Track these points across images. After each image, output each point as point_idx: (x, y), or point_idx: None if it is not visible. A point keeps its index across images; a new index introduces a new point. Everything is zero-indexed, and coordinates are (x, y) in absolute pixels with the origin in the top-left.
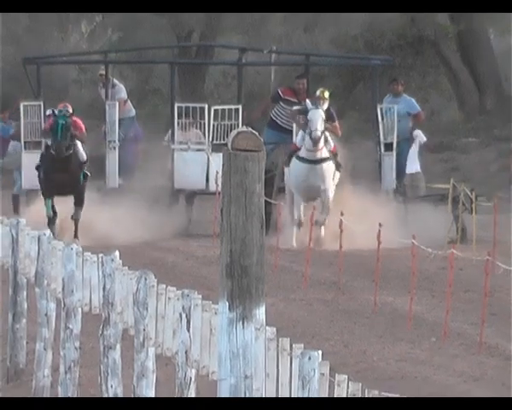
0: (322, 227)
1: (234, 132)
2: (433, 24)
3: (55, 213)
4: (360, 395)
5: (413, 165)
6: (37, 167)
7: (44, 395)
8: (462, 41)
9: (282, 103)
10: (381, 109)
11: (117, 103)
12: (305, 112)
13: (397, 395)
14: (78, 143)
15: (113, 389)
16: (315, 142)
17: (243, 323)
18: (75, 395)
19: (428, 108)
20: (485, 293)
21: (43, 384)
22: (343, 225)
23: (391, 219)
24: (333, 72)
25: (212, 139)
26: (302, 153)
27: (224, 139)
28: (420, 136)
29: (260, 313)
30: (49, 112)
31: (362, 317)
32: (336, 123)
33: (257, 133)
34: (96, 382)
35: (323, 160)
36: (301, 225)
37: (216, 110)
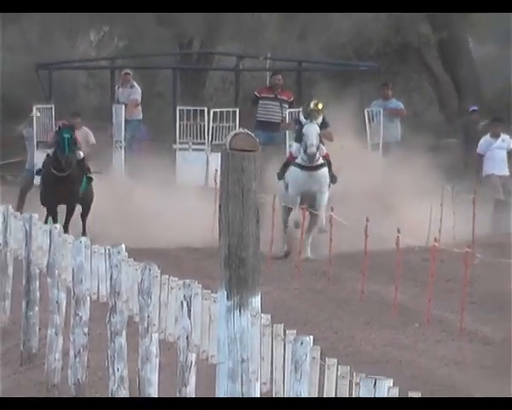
0: (323, 216)
1: (231, 133)
2: (417, 33)
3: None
4: (348, 378)
5: (502, 168)
6: (38, 171)
7: (55, 378)
8: (443, 48)
9: (260, 102)
10: (369, 112)
11: (123, 106)
12: (298, 122)
13: (381, 377)
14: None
15: (120, 372)
16: (310, 158)
17: (240, 310)
18: (84, 378)
19: (411, 110)
20: (464, 283)
21: (54, 367)
22: (333, 220)
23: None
24: (324, 77)
25: (212, 140)
26: (299, 160)
27: (222, 140)
28: (507, 140)
29: (256, 301)
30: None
31: (350, 305)
32: (329, 129)
33: (253, 134)
34: (103, 365)
35: (320, 166)
36: (299, 227)
37: (215, 113)
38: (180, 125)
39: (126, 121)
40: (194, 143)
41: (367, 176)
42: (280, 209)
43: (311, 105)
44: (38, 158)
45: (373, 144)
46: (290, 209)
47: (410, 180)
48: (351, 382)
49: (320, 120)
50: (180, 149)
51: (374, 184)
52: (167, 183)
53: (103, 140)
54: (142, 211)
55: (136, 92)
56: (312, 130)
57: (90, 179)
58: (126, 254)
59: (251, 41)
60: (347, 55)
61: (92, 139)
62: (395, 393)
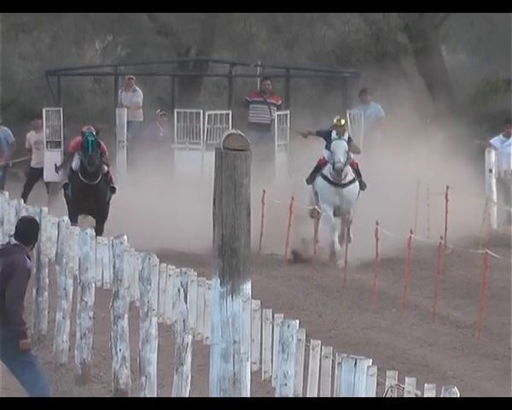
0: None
1: (225, 134)
2: (395, 42)
3: None
4: (331, 358)
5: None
6: (65, 185)
7: (63, 358)
8: (419, 57)
9: (251, 105)
10: (350, 115)
11: (125, 109)
12: (325, 136)
13: (362, 357)
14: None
15: (122, 352)
16: (338, 173)
17: (232, 296)
18: (89, 358)
19: (390, 113)
20: (438, 271)
21: (62, 348)
22: (319, 214)
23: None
24: (309, 83)
25: (207, 140)
26: (327, 172)
27: (216, 140)
28: None
29: (247, 287)
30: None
31: (333, 291)
32: (353, 142)
33: (244, 135)
34: (107, 346)
35: (349, 183)
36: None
37: (210, 115)
38: (178, 126)
39: (128, 123)
40: (190, 143)
41: None
42: (307, 213)
43: (334, 120)
44: (48, 157)
45: None
46: (318, 213)
47: (389, 177)
48: (333, 361)
49: (347, 135)
50: (178, 149)
51: None
52: (166, 179)
53: (107, 140)
54: (142, 204)
55: (138, 96)
56: (341, 147)
57: (112, 189)
58: (128, 244)
59: (243, 50)
60: (331, 62)
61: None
62: (374, 371)
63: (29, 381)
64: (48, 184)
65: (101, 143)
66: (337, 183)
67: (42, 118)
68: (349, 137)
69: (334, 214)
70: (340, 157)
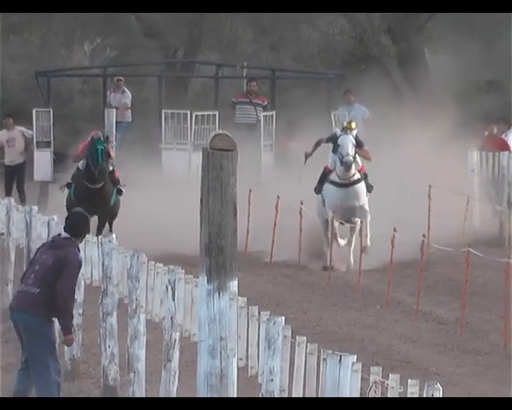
0: (368, 231)
1: (212, 134)
2: (378, 44)
3: None
4: (316, 354)
5: None
6: (68, 185)
7: None
8: (402, 58)
9: (237, 106)
10: (334, 115)
11: (114, 110)
12: (332, 139)
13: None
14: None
15: (111, 348)
16: (347, 167)
17: (219, 293)
18: (78, 354)
19: (373, 113)
20: (420, 268)
21: None
22: (303, 212)
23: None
24: (294, 84)
25: (194, 140)
26: (334, 177)
27: (203, 140)
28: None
29: (233, 285)
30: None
31: (318, 289)
32: (365, 148)
33: (231, 135)
34: (96, 343)
35: (356, 181)
36: (339, 244)
37: (197, 116)
38: (165, 127)
39: (117, 123)
40: (178, 144)
41: None
42: (316, 220)
43: (345, 123)
44: (38, 158)
45: None
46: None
47: (373, 175)
48: (318, 358)
49: (355, 132)
50: (165, 149)
51: None
52: (154, 179)
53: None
54: (130, 204)
55: (127, 97)
56: (348, 140)
57: (119, 191)
58: (117, 243)
59: (229, 51)
60: (316, 64)
61: (29, 133)
62: (358, 367)
63: (40, 386)
64: (20, 184)
65: (107, 145)
66: (344, 183)
67: (12, 117)
68: (358, 140)
69: (344, 218)
70: (348, 150)
